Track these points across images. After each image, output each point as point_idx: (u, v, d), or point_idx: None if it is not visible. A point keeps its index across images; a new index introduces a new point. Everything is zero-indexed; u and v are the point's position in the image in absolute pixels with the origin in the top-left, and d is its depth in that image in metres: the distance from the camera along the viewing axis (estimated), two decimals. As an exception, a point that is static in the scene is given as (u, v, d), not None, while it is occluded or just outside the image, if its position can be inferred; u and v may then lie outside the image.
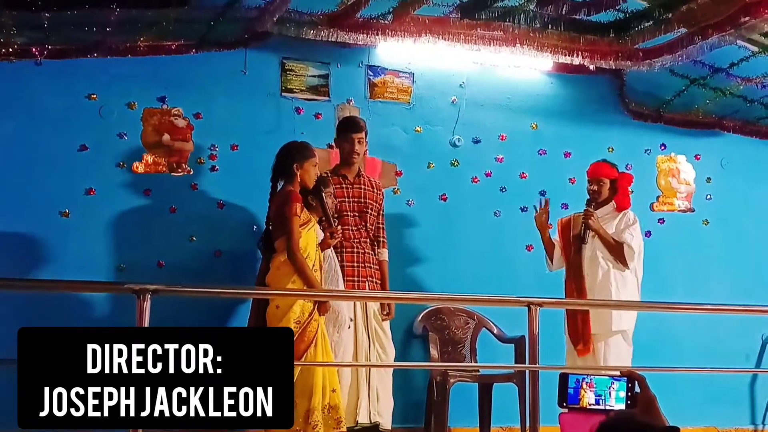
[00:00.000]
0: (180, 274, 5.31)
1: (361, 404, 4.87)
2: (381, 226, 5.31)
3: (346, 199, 5.18)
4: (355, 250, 5.11)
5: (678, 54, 5.41)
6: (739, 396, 6.47)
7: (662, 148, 6.65)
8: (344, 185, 5.19)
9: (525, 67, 6.17)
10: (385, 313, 5.10)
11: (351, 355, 4.85)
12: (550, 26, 5.45)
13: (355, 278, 5.04)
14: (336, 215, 5.03)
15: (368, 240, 5.22)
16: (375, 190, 5.31)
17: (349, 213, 5.16)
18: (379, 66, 5.99)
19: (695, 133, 6.70)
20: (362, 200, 5.20)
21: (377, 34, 5.33)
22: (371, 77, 5.99)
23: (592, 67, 5.87)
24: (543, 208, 5.35)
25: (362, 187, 5.26)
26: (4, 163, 5.18)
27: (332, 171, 5.26)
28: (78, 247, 5.23)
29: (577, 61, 5.65)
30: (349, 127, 5.22)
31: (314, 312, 4.50)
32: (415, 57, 5.96)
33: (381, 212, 5.33)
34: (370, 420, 4.91)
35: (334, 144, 5.41)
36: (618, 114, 6.48)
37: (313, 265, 4.65)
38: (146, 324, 3.27)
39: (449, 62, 6.02)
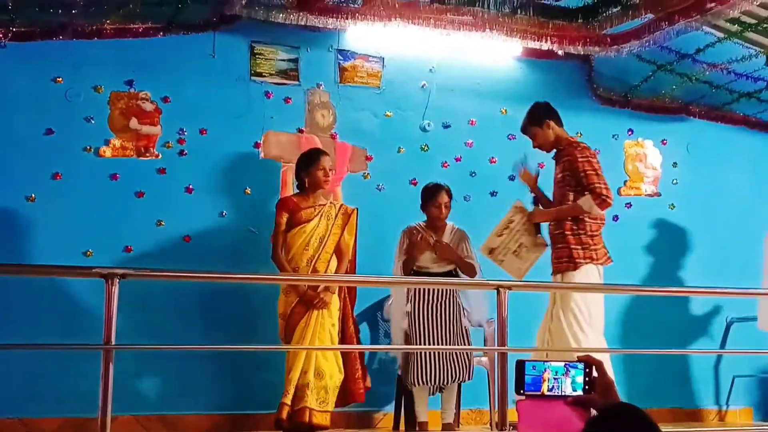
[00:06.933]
0: (148, 259, 5.29)
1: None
2: None
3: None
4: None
5: (645, 39, 5.45)
6: (704, 377, 6.58)
7: (629, 133, 6.72)
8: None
9: (494, 52, 6.18)
10: None
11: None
12: (519, 11, 5.46)
13: None
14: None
15: None
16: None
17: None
18: (348, 50, 5.98)
19: (662, 118, 6.78)
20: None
21: (347, 18, 5.30)
22: (341, 61, 5.98)
23: (560, 52, 5.89)
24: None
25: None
26: (-31, 147, 5.12)
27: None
28: (44, 232, 5.19)
29: (545, 46, 5.67)
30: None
31: (295, 306, 4.87)
32: (385, 41, 5.95)
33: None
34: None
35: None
36: (586, 99, 6.53)
37: (296, 264, 4.94)
38: (115, 309, 3.25)
39: (419, 47, 6.02)
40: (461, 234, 5.35)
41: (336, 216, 5.08)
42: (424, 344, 4.99)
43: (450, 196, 5.31)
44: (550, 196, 5.11)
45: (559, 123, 5.02)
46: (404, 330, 5.11)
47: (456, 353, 5.00)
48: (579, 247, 4.76)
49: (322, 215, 5.03)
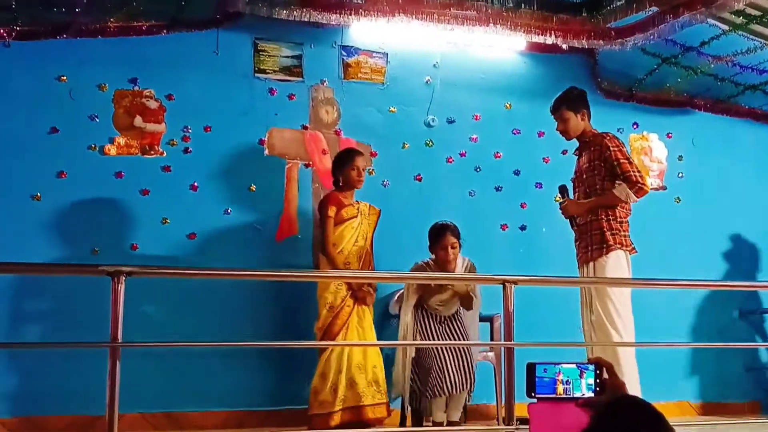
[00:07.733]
0: (153, 257, 5.29)
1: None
2: None
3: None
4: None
5: (650, 33, 5.45)
6: (711, 370, 6.55)
7: (635, 126, 6.70)
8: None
9: (498, 47, 6.17)
10: None
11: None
12: (522, 5, 5.48)
13: None
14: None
15: None
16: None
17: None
18: (352, 46, 5.97)
19: (667, 111, 6.75)
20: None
21: (350, 14, 5.31)
22: (345, 57, 5.97)
23: (564, 46, 5.89)
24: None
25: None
26: (-26, 147, 5.12)
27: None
28: (50, 231, 5.19)
29: (550, 40, 5.66)
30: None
31: (346, 299, 5.01)
32: (389, 37, 5.94)
33: None
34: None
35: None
36: (590, 93, 6.37)
37: (346, 258, 5.10)
38: (121, 306, 3.26)
39: (423, 42, 6.01)
40: (472, 268, 5.25)
41: (368, 215, 5.28)
42: (435, 364, 4.91)
43: (457, 235, 5.14)
44: (567, 182, 5.10)
45: (590, 117, 5.02)
46: (412, 357, 5.04)
47: (467, 367, 4.96)
48: (609, 232, 4.75)
49: (360, 213, 5.22)
